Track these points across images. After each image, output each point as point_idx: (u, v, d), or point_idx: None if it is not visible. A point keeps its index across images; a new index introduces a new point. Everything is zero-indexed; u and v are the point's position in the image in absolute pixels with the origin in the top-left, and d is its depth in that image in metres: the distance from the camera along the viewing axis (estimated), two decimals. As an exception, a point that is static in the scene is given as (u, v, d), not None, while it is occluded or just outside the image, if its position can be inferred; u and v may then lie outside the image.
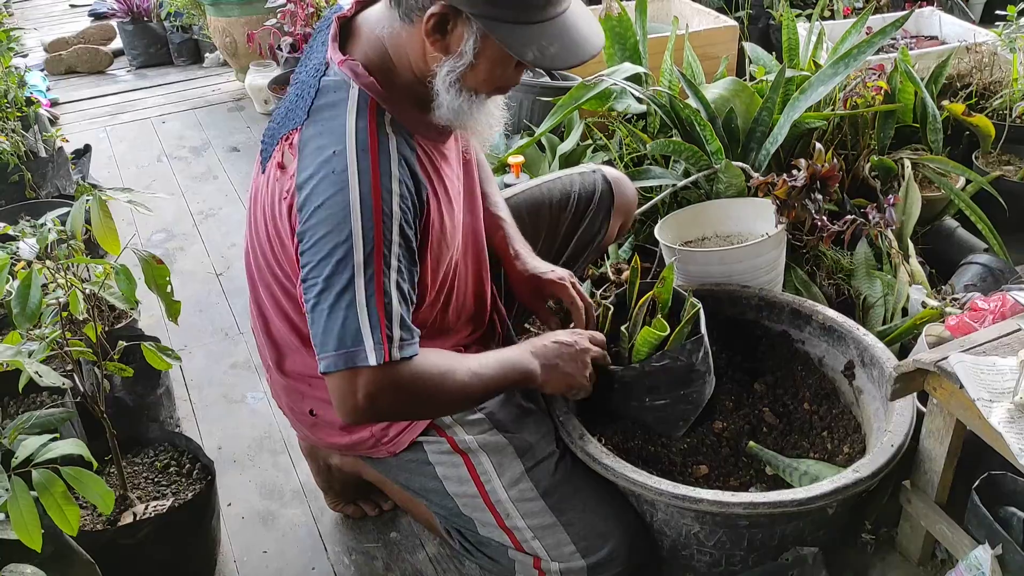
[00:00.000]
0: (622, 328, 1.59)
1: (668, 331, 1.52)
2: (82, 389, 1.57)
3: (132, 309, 2.03)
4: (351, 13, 1.37)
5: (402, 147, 1.28)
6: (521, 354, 1.45)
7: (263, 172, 1.39)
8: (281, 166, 1.31)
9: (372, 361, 1.22)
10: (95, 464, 1.32)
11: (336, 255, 1.22)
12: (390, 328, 1.24)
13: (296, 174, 1.26)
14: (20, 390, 1.42)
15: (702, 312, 1.57)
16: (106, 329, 2.02)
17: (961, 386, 1.32)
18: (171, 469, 1.73)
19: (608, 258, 2.30)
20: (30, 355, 1.40)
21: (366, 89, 1.28)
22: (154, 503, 1.62)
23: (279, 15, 4.01)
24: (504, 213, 1.69)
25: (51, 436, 1.29)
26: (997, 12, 3.03)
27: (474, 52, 1.24)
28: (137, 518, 1.57)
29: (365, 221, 1.22)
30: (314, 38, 1.42)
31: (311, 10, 3.98)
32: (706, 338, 1.57)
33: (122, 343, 1.64)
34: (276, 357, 1.53)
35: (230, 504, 1.92)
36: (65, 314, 1.51)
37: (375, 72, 1.29)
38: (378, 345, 1.22)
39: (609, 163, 2.40)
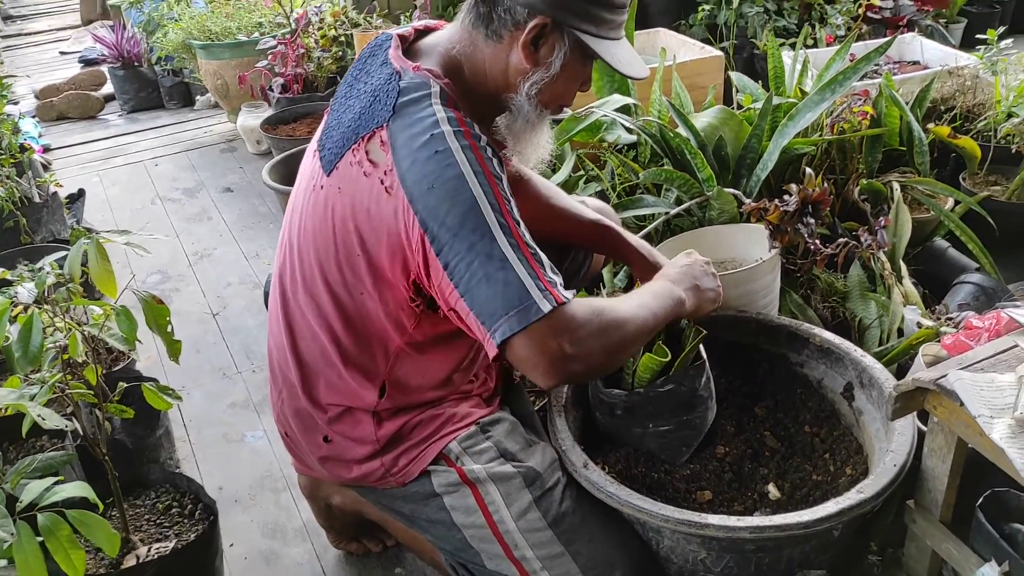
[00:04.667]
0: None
1: (669, 357, 1.53)
2: (82, 432, 1.56)
3: (131, 350, 2.03)
4: (411, 37, 1.45)
5: (483, 134, 1.34)
6: (663, 284, 1.48)
7: (328, 175, 1.40)
8: (370, 162, 1.32)
9: (546, 309, 1.22)
10: (100, 506, 1.31)
11: (469, 223, 1.23)
12: (546, 274, 1.25)
13: (395, 167, 1.29)
14: (23, 434, 1.41)
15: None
16: (104, 371, 2.02)
17: (961, 403, 1.33)
18: (173, 510, 1.72)
19: (604, 287, 2.31)
20: (32, 399, 1.40)
21: (445, 88, 1.34)
22: (157, 545, 1.61)
23: (270, 57, 4.06)
24: (605, 218, 1.78)
25: (55, 479, 1.29)
26: (977, 36, 3.09)
27: (561, 64, 1.36)
28: (140, 560, 1.56)
29: (483, 184, 1.25)
30: (367, 58, 1.47)
31: (301, 51, 4.03)
32: (707, 363, 1.58)
33: (122, 384, 1.64)
34: (301, 378, 1.51)
35: (232, 544, 1.91)
36: (66, 356, 1.51)
37: (449, 79, 1.37)
38: (545, 292, 1.23)
39: (601, 193, 2.43)
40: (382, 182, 1.30)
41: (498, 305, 1.22)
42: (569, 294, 1.27)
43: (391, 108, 1.32)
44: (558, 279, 1.27)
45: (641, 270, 1.74)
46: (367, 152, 1.33)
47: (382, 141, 1.31)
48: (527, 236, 1.28)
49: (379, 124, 1.32)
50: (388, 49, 1.42)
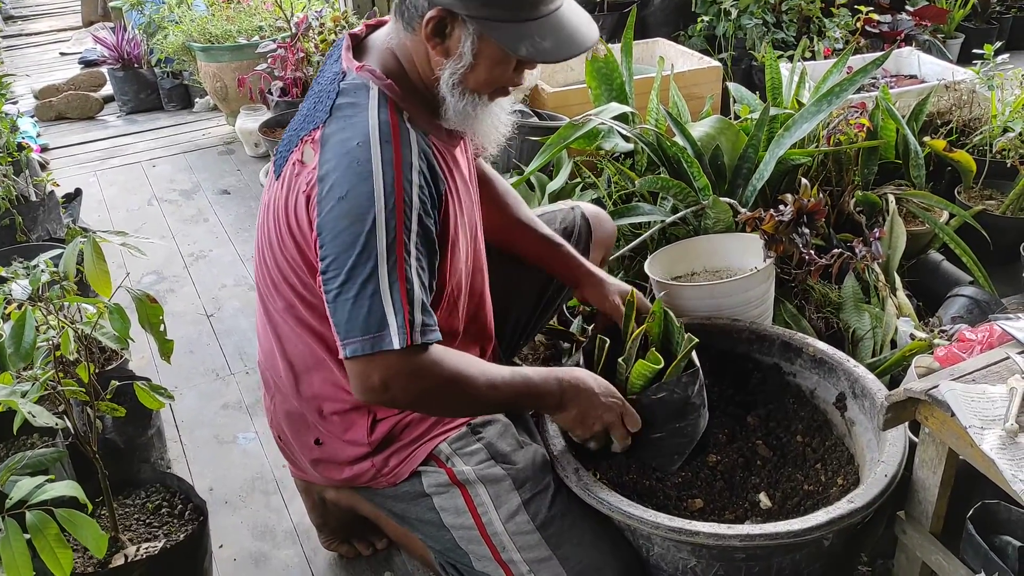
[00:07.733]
0: (619, 360, 1.60)
1: (662, 364, 1.53)
2: (73, 430, 1.56)
3: (124, 349, 2.03)
4: (363, 34, 1.45)
5: (420, 141, 1.33)
6: (546, 380, 1.44)
7: (277, 179, 1.42)
8: (301, 163, 1.34)
9: (396, 345, 1.25)
10: (89, 506, 1.31)
11: (358, 245, 1.25)
12: (412, 313, 1.27)
13: (318, 167, 1.30)
14: (14, 431, 1.41)
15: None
16: (97, 370, 2.02)
17: (952, 414, 1.33)
18: (163, 510, 1.71)
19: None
20: (23, 395, 1.40)
21: (385, 90, 1.34)
22: (146, 545, 1.60)
23: (269, 60, 4.06)
24: (555, 235, 1.77)
25: (45, 477, 1.28)
26: (974, 51, 3.10)
27: (472, 53, 1.30)
28: (129, 560, 1.55)
29: (388, 211, 1.26)
30: (328, 59, 1.47)
31: (301, 55, 4.03)
32: (700, 371, 1.58)
33: (115, 383, 1.64)
34: (293, 379, 1.53)
35: (222, 546, 1.90)
36: (58, 354, 1.50)
37: (391, 77, 1.36)
38: (401, 329, 1.26)
39: (598, 200, 2.43)
40: (307, 179, 1.32)
41: (356, 327, 1.27)
42: (431, 336, 1.30)
43: (327, 110, 1.34)
44: (424, 319, 1.29)
45: (592, 295, 1.73)
46: (302, 153, 1.35)
47: (313, 141, 1.33)
48: (412, 271, 1.28)
49: (316, 125, 1.35)
50: (341, 48, 1.43)
